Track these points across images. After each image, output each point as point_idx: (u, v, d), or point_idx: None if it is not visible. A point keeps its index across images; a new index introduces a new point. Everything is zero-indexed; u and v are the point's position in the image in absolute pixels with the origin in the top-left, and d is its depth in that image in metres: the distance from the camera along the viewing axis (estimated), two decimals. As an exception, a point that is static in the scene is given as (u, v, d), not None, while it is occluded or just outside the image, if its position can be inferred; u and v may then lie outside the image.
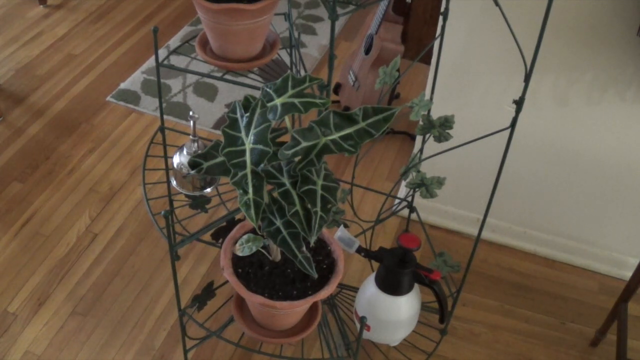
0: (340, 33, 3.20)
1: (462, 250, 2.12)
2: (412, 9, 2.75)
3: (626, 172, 1.87)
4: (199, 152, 1.30)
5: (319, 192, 1.04)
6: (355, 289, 1.71)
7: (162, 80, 2.74)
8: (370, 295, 1.50)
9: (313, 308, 1.39)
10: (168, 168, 1.61)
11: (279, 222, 1.08)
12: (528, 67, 1.21)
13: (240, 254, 1.19)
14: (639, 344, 1.90)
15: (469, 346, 1.87)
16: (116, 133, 2.52)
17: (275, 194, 1.07)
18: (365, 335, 1.56)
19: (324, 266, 1.28)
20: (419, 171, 1.55)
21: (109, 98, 2.69)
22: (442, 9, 1.47)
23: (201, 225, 2.08)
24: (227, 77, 1.37)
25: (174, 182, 1.60)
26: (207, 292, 1.46)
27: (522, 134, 1.83)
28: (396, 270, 1.43)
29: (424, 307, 1.65)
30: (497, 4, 1.21)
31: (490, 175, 1.47)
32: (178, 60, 2.86)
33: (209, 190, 1.59)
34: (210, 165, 1.07)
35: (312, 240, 1.04)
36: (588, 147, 1.86)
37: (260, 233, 1.11)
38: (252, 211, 1.00)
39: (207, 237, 1.53)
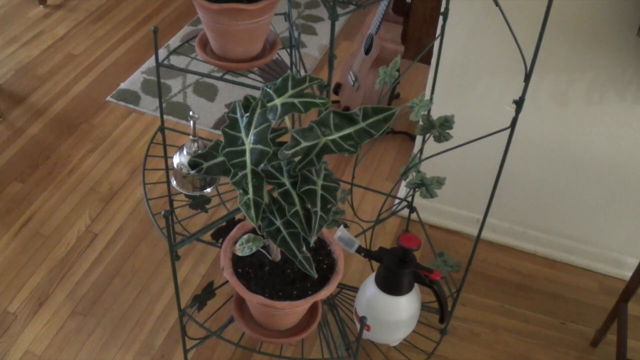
0: (340, 33, 3.20)
1: (462, 250, 2.12)
2: (412, 9, 2.75)
3: (626, 172, 1.87)
4: (199, 152, 1.30)
5: (319, 192, 1.04)
6: (355, 289, 1.71)
7: (162, 80, 2.74)
8: (370, 295, 1.50)
9: (313, 308, 1.39)
10: (168, 168, 1.61)
11: (279, 222, 1.08)
12: (528, 67, 1.22)
13: (240, 254, 1.19)
14: (639, 344, 1.90)
15: (469, 346, 1.87)
16: (116, 133, 2.52)
17: (275, 194, 1.07)
18: (365, 335, 1.56)
19: (324, 266, 1.28)
20: (419, 171, 1.55)
21: (109, 98, 2.69)
22: (442, 9, 1.47)
23: (201, 225, 2.08)
24: (227, 77, 1.37)
25: (174, 182, 1.60)
26: (207, 292, 1.46)
27: (522, 134, 1.83)
28: (396, 270, 1.43)
29: (424, 307, 1.65)
30: (497, 4, 1.21)
31: (490, 175, 1.47)
32: (178, 60, 2.86)
33: (209, 190, 1.59)
34: (210, 165, 1.07)
35: (312, 240, 1.04)
36: (588, 147, 1.86)
37: (260, 233, 1.11)
38: (252, 211, 1.00)
39: (207, 237, 1.53)
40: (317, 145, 0.99)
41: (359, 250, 1.45)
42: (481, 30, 1.76)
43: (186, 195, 1.59)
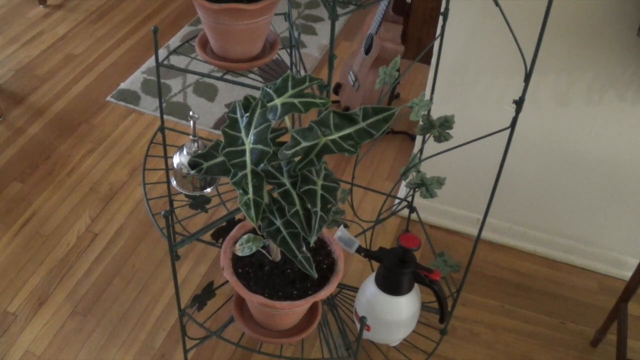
0: (340, 33, 3.20)
1: (462, 250, 2.12)
2: (412, 9, 2.75)
3: (626, 172, 1.87)
4: (199, 152, 1.30)
5: (319, 192, 1.04)
6: (355, 289, 1.71)
7: (162, 80, 2.74)
8: (370, 295, 1.50)
9: (313, 308, 1.39)
10: (168, 168, 1.61)
11: (279, 222, 1.08)
12: (528, 67, 1.22)
13: (240, 254, 1.19)
14: (639, 344, 1.90)
15: (469, 346, 1.87)
16: (116, 133, 2.52)
17: (275, 194, 1.07)
18: (365, 335, 1.56)
19: (324, 266, 1.28)
20: (419, 171, 1.55)
21: (109, 98, 2.69)
22: (442, 9, 1.47)
23: (201, 225, 2.08)
24: (227, 77, 1.37)
25: (174, 182, 1.60)
26: (207, 292, 1.46)
27: (522, 134, 1.82)
28: (396, 270, 1.43)
29: (424, 307, 1.65)
30: (497, 4, 1.21)
31: (490, 175, 1.47)
32: (178, 60, 2.86)
33: (209, 190, 1.59)
34: (210, 165, 1.07)
35: (312, 240, 1.04)
36: (588, 147, 1.86)
37: (260, 233, 1.11)
38: (252, 211, 1.00)
39: (207, 237, 1.53)
40: (317, 145, 0.99)
41: (359, 250, 1.45)
42: (481, 30, 1.76)
43: (186, 195, 1.59)
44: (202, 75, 1.38)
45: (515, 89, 1.80)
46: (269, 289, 1.23)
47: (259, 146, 0.99)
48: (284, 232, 1.08)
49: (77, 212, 2.19)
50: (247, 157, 1.00)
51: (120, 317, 1.88)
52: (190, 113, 1.50)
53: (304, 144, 0.99)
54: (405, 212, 1.84)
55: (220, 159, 1.05)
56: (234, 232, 1.30)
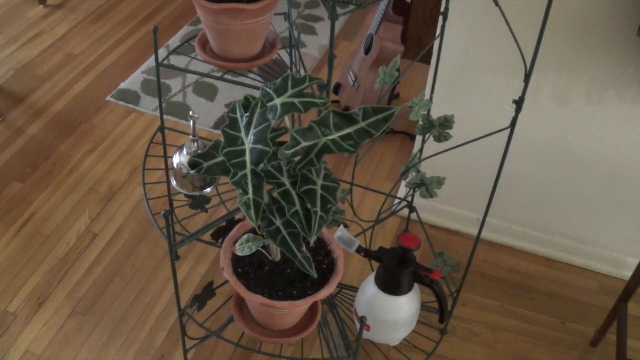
0: (340, 33, 3.20)
1: (462, 250, 2.12)
2: (412, 9, 2.75)
3: (626, 172, 1.87)
4: (199, 152, 1.30)
5: (319, 192, 1.04)
6: (355, 289, 1.71)
7: (162, 80, 2.74)
8: (370, 295, 1.50)
9: (313, 308, 1.39)
10: (168, 168, 1.61)
11: (279, 222, 1.08)
12: (528, 67, 1.22)
13: (240, 254, 1.19)
14: (639, 344, 1.90)
15: (469, 346, 1.87)
16: (116, 133, 2.52)
17: (275, 194, 1.07)
18: (365, 335, 1.56)
19: (324, 266, 1.28)
20: (419, 171, 1.55)
21: (109, 98, 2.69)
22: (442, 9, 1.48)
23: (201, 225, 2.08)
24: (227, 77, 1.37)
25: (174, 182, 1.60)
26: (207, 292, 1.46)
27: (522, 134, 1.82)
28: (396, 270, 1.43)
29: (424, 307, 1.66)
30: (497, 4, 1.21)
31: (490, 175, 1.47)
32: (178, 60, 2.86)
33: (209, 190, 1.59)
34: (210, 165, 1.07)
35: (312, 240, 1.04)
36: (588, 147, 1.86)
37: (260, 233, 1.11)
38: (252, 211, 1.00)
39: (207, 237, 1.53)
40: (317, 145, 0.99)
41: (359, 250, 1.45)
42: (481, 30, 1.76)
43: (186, 195, 1.59)
44: (202, 75, 1.38)
45: (515, 89, 1.80)
46: (269, 289, 1.23)
47: (259, 146, 0.99)
48: (284, 232, 1.08)
49: (77, 212, 2.19)
50: (247, 157, 1.00)
51: (120, 317, 1.88)
52: (190, 113, 1.50)
53: (304, 144, 0.99)
54: (405, 212, 1.84)
55: (220, 159, 1.05)
56: (234, 232, 1.30)
